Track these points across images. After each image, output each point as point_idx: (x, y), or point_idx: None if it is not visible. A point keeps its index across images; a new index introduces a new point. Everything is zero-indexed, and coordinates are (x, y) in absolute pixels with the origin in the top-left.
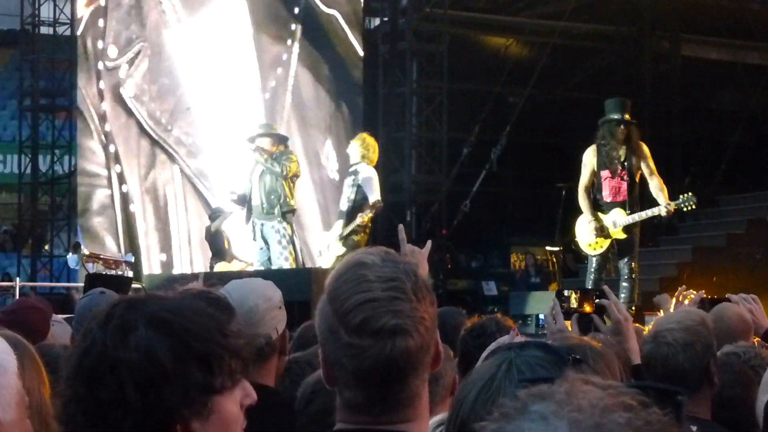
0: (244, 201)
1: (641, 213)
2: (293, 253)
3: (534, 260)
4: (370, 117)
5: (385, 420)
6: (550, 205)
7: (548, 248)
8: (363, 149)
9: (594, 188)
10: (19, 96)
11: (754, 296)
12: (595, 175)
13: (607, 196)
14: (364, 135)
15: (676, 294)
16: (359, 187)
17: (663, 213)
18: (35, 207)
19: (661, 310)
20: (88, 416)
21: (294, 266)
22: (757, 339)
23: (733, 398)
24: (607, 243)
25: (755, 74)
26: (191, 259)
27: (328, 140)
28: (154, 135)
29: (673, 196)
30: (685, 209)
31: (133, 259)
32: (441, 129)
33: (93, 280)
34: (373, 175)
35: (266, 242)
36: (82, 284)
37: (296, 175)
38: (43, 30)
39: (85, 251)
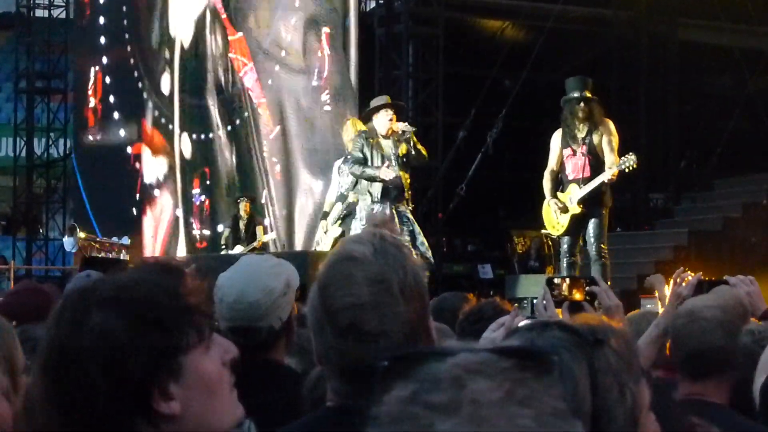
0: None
1: (589, 184)
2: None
3: (539, 244)
4: (365, 101)
5: None
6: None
7: (543, 231)
8: (355, 133)
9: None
10: (15, 78)
11: (752, 278)
12: (562, 156)
13: (569, 174)
14: (353, 118)
15: (673, 276)
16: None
17: (606, 179)
18: (30, 190)
19: (656, 291)
20: (60, 410)
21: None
22: (755, 321)
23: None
24: (567, 221)
25: (752, 58)
26: None
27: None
28: None
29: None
30: (627, 170)
31: (128, 242)
32: (437, 113)
33: (89, 263)
34: None
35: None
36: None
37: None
38: (39, 13)
39: (81, 234)
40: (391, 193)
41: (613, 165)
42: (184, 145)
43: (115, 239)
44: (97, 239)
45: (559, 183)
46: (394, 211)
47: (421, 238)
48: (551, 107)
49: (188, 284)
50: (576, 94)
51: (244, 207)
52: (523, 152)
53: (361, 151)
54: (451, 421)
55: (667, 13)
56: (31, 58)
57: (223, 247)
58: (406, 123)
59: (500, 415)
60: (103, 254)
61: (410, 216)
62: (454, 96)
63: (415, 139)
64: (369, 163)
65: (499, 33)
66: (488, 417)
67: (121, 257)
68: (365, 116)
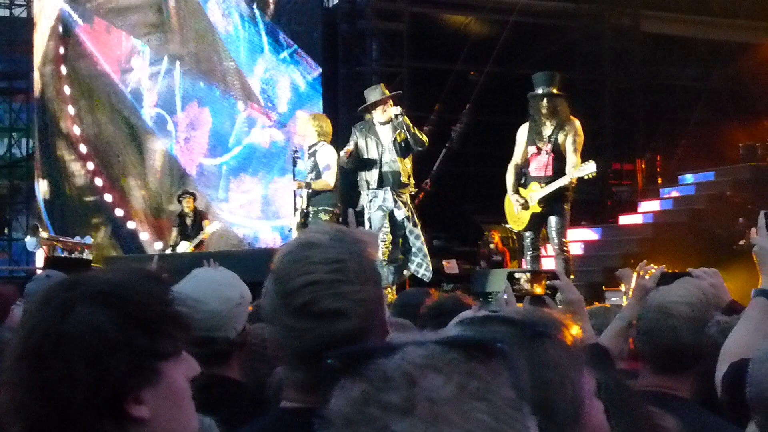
0: (358, 164)
1: (549, 186)
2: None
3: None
4: (329, 96)
5: None
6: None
7: (508, 225)
8: (318, 127)
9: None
10: None
11: (715, 270)
12: (527, 152)
13: (532, 171)
14: (316, 114)
15: (637, 269)
16: (317, 167)
17: (565, 182)
18: None
19: (623, 285)
20: (36, 399)
21: (423, 238)
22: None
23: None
24: (527, 218)
25: (715, 50)
26: None
27: None
28: None
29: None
30: (586, 177)
31: (91, 241)
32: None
33: (52, 263)
34: (333, 155)
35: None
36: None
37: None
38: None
39: (43, 234)
40: (388, 180)
41: (575, 166)
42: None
43: (78, 239)
44: (60, 239)
45: (522, 177)
46: (386, 218)
47: (417, 249)
48: (516, 100)
49: (171, 293)
50: (541, 90)
51: (187, 203)
52: (489, 146)
53: (355, 143)
54: (407, 421)
55: (630, 5)
56: None
57: (171, 246)
58: (398, 106)
59: (456, 412)
60: (66, 254)
61: (412, 219)
62: (419, 91)
63: (408, 122)
64: (365, 153)
65: (463, 27)
66: (444, 414)
67: (84, 257)
68: (363, 110)
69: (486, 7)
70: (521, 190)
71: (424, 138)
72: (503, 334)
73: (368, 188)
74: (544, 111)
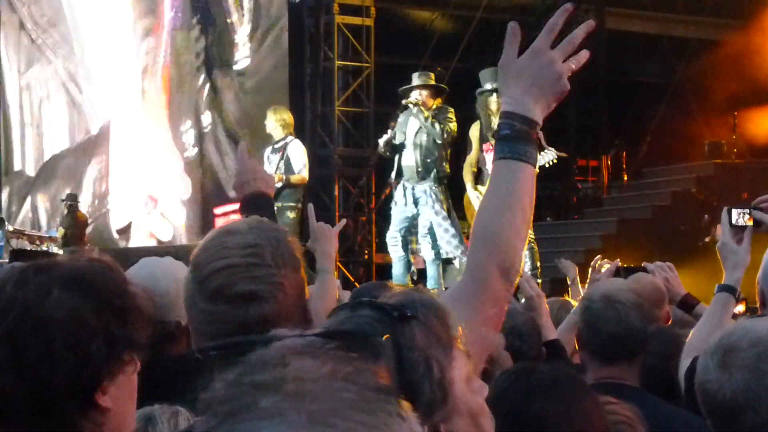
0: (391, 149)
1: None
2: (450, 217)
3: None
4: (296, 91)
5: None
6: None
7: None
8: (281, 121)
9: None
10: None
11: (670, 264)
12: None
13: (488, 166)
14: (275, 107)
15: (591, 263)
16: (289, 162)
17: None
18: None
19: (568, 279)
20: (16, 379)
21: (455, 232)
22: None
23: (658, 366)
24: None
25: (679, 47)
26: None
27: None
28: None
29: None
30: (547, 165)
31: (57, 235)
32: (368, 102)
33: (17, 255)
34: (303, 149)
35: (416, 206)
36: (6, 260)
37: (454, 137)
38: None
39: (9, 227)
40: (404, 172)
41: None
42: None
43: (44, 232)
44: (26, 232)
45: (479, 173)
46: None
47: (442, 232)
48: None
49: (135, 286)
50: (489, 86)
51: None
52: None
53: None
54: (275, 397)
55: (595, 2)
56: None
57: (60, 245)
58: (416, 97)
59: (324, 390)
60: (32, 247)
61: (434, 206)
62: (384, 85)
63: (426, 113)
64: (403, 138)
65: (428, 23)
66: (312, 391)
67: (51, 250)
68: (403, 92)
69: (451, 3)
70: (480, 187)
71: (446, 127)
72: (370, 318)
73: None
74: (493, 107)
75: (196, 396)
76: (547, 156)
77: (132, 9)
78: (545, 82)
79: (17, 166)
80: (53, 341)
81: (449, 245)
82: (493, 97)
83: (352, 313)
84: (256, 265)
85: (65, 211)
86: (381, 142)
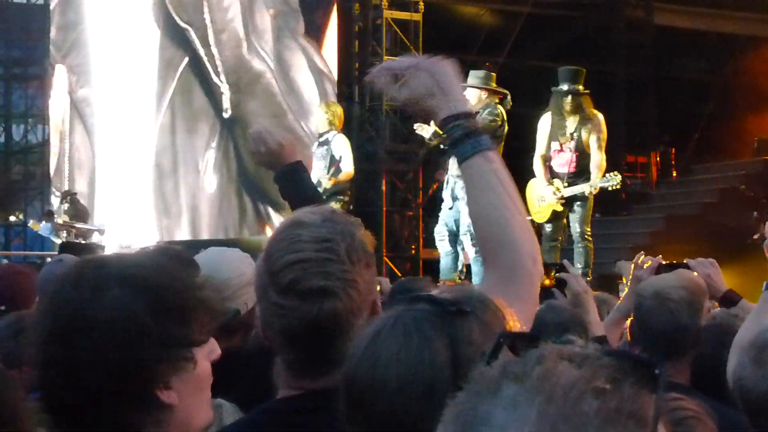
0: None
1: (571, 189)
2: None
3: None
4: (344, 86)
5: (327, 381)
6: (525, 173)
7: (529, 218)
8: (330, 116)
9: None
10: None
11: (712, 260)
12: (549, 147)
13: (556, 166)
14: (327, 102)
15: (633, 260)
16: (332, 157)
17: (586, 192)
18: (8, 177)
19: (624, 278)
20: (65, 378)
21: None
22: (716, 303)
23: (711, 362)
24: (549, 212)
25: (728, 43)
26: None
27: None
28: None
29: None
30: (610, 189)
31: (105, 228)
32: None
33: (66, 248)
34: (347, 144)
35: (454, 201)
36: (55, 253)
37: (495, 134)
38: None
39: (58, 220)
40: (449, 167)
41: (600, 165)
42: None
43: (91, 224)
44: (75, 225)
45: (547, 170)
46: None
47: None
48: (529, 92)
49: (201, 278)
50: (566, 87)
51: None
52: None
53: None
54: (515, 388)
55: None
56: (8, 45)
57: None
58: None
59: (563, 395)
60: (80, 240)
61: None
62: None
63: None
64: None
65: (476, 18)
66: (549, 393)
67: (98, 243)
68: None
69: None
70: (543, 185)
71: (490, 123)
72: (426, 313)
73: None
74: (567, 108)
75: (243, 393)
76: (612, 181)
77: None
78: (437, 80)
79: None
80: (103, 342)
81: None
82: (568, 98)
83: (410, 306)
84: (330, 261)
85: (66, 205)
86: (425, 134)
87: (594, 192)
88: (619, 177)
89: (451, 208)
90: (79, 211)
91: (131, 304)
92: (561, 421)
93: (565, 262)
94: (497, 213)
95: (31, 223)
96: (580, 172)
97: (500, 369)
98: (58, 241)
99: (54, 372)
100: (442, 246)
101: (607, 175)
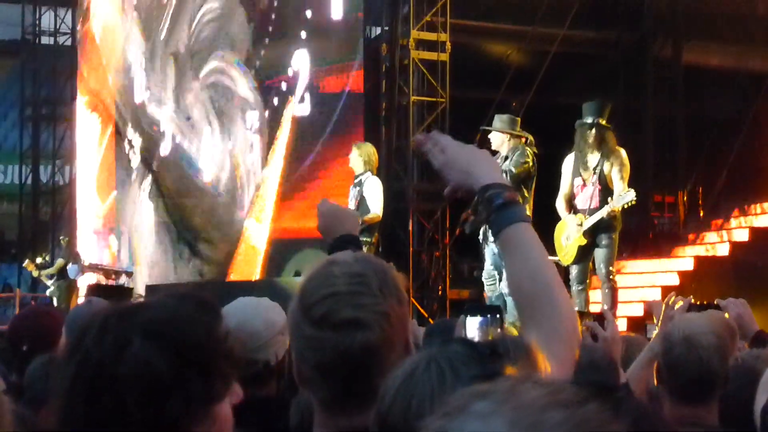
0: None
1: (592, 217)
2: None
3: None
4: (372, 125)
5: (362, 420)
6: (552, 213)
7: (556, 258)
8: (365, 156)
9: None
10: (20, 106)
11: (743, 300)
12: (573, 184)
13: (579, 203)
14: (359, 143)
15: (665, 300)
16: (363, 198)
17: (605, 214)
18: (36, 217)
19: (654, 318)
20: (88, 428)
21: None
22: (746, 344)
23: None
24: (574, 251)
25: (757, 80)
26: None
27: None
28: None
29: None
30: (625, 206)
31: (132, 270)
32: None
33: (93, 290)
34: (379, 186)
35: (484, 242)
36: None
37: (530, 175)
38: (44, 40)
39: (85, 261)
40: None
41: (621, 193)
42: None
43: (118, 266)
44: (101, 266)
45: (571, 208)
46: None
47: None
48: (557, 130)
49: (224, 326)
50: (590, 120)
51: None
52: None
53: None
54: (485, 402)
55: (673, 35)
56: (36, 85)
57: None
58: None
59: (531, 404)
60: (107, 281)
61: None
62: (459, 120)
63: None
64: None
65: (504, 57)
66: (519, 403)
67: (126, 284)
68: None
69: (527, 37)
70: (579, 215)
71: (516, 170)
72: (460, 354)
73: None
74: (590, 141)
75: None
76: (627, 197)
77: None
78: (470, 157)
79: None
80: (124, 399)
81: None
82: (592, 131)
83: (443, 348)
84: (362, 294)
85: (63, 246)
86: (466, 227)
87: (614, 212)
88: (633, 192)
89: (495, 253)
90: (72, 255)
91: (153, 361)
92: (530, 427)
93: (604, 309)
94: (542, 281)
95: (26, 263)
96: (602, 207)
97: (468, 392)
98: (83, 281)
99: (74, 423)
100: (491, 290)
101: (621, 193)
